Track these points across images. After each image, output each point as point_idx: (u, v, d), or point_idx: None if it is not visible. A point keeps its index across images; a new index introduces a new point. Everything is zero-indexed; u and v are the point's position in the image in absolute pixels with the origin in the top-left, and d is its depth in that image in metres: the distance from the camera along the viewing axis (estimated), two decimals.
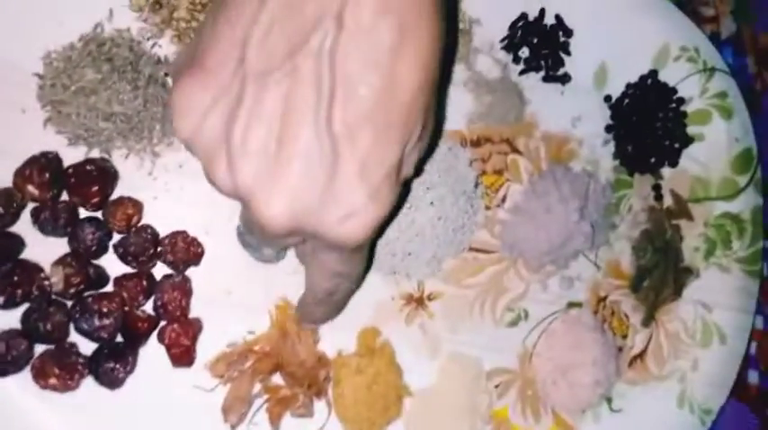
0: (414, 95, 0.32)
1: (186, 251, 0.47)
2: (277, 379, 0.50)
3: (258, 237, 0.39)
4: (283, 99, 0.31)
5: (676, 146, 0.62)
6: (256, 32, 0.31)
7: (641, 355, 0.61)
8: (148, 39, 0.50)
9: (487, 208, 0.57)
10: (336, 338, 0.52)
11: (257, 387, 0.49)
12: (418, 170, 0.47)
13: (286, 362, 0.49)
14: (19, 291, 0.43)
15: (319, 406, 0.51)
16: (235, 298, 0.50)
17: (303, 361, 0.50)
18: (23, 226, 0.45)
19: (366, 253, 0.40)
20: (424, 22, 0.32)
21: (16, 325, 0.44)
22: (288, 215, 0.32)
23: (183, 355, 0.47)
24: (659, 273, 0.61)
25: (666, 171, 0.62)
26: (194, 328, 0.47)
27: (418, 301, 0.55)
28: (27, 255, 0.45)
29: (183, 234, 0.48)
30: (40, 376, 0.43)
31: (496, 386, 0.56)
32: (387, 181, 0.33)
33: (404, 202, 0.51)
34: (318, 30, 0.30)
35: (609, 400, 0.59)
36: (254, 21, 0.31)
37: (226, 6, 0.33)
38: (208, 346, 0.49)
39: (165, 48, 0.50)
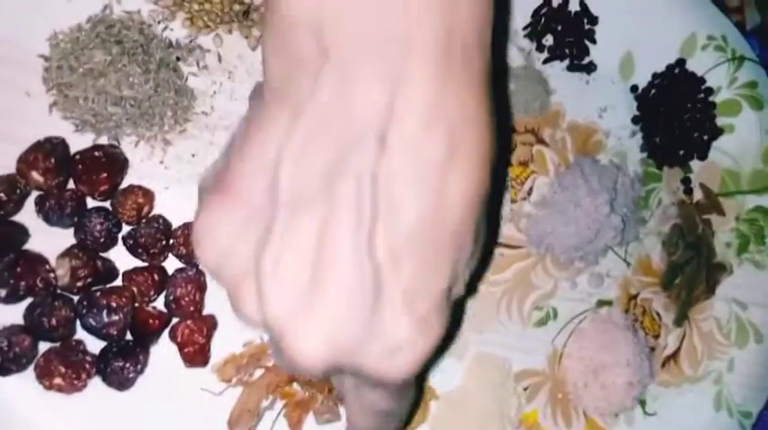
0: (465, 214, 0.28)
1: None
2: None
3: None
4: (319, 226, 0.27)
5: (705, 138, 0.59)
6: (289, 153, 0.27)
7: (675, 356, 0.58)
8: (159, 22, 0.47)
9: (513, 201, 0.54)
10: None
11: (268, 399, 0.46)
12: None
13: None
14: (22, 284, 0.40)
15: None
16: None
17: None
18: (27, 215, 0.42)
19: (413, 388, 0.35)
20: (475, 127, 0.28)
21: (19, 320, 0.41)
22: (325, 351, 0.28)
23: (196, 354, 0.44)
24: (691, 269, 0.58)
25: (696, 164, 0.60)
26: (209, 326, 0.44)
27: None
28: (31, 245, 0.42)
29: None
30: (45, 375, 0.40)
31: (525, 388, 0.53)
32: (436, 310, 0.29)
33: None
34: (359, 150, 0.27)
35: (642, 403, 0.56)
36: (287, 140, 0.28)
37: (256, 124, 0.29)
38: (222, 345, 0.46)
39: (177, 31, 0.48)
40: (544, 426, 0.53)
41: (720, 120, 0.59)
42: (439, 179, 0.27)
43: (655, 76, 0.58)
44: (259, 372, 0.46)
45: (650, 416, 0.56)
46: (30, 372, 0.41)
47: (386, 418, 0.36)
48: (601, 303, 0.56)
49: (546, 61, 0.56)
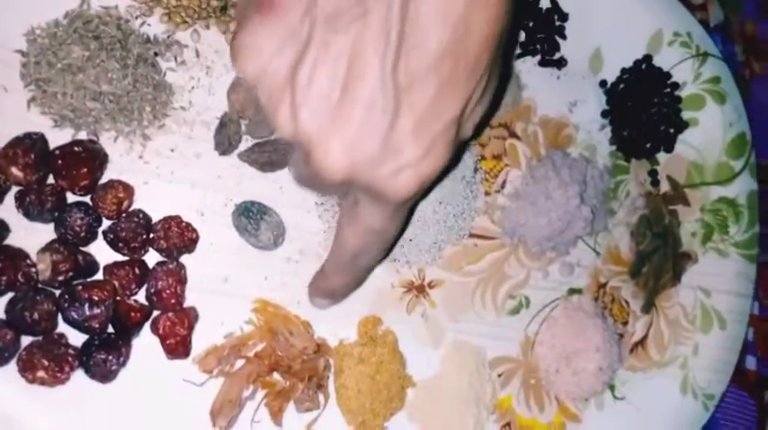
0: (484, 46, 0.31)
1: (180, 236, 0.45)
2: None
3: (308, 186, 0.37)
4: (351, 44, 0.30)
5: (671, 131, 0.61)
6: None
7: (642, 342, 0.60)
8: (137, 17, 0.48)
9: (487, 193, 0.56)
10: (336, 327, 0.50)
11: (249, 389, 0.47)
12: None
13: (283, 358, 0.47)
14: (3, 279, 0.41)
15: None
16: (231, 286, 0.48)
17: (303, 350, 0.47)
18: (7, 210, 0.43)
19: (405, 214, 0.38)
20: None
21: (0, 315, 0.41)
22: (346, 164, 0.32)
23: (178, 346, 0.44)
24: (658, 258, 0.60)
25: (662, 156, 0.62)
26: (190, 318, 0.45)
27: (419, 289, 0.53)
28: (11, 241, 0.43)
29: (176, 219, 0.46)
30: (28, 369, 0.41)
31: (500, 375, 0.55)
32: (444, 136, 0.32)
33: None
34: None
35: (612, 388, 0.58)
36: None
37: None
38: (204, 337, 0.46)
39: (155, 27, 0.48)
40: (518, 411, 0.55)
41: (686, 114, 0.61)
42: (465, 10, 0.30)
43: (623, 71, 0.60)
44: (240, 363, 0.47)
45: (619, 400, 0.58)
46: (12, 366, 0.41)
47: (372, 239, 0.39)
48: (571, 291, 0.58)
49: (518, 57, 0.58)
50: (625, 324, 0.60)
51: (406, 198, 0.34)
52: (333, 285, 0.45)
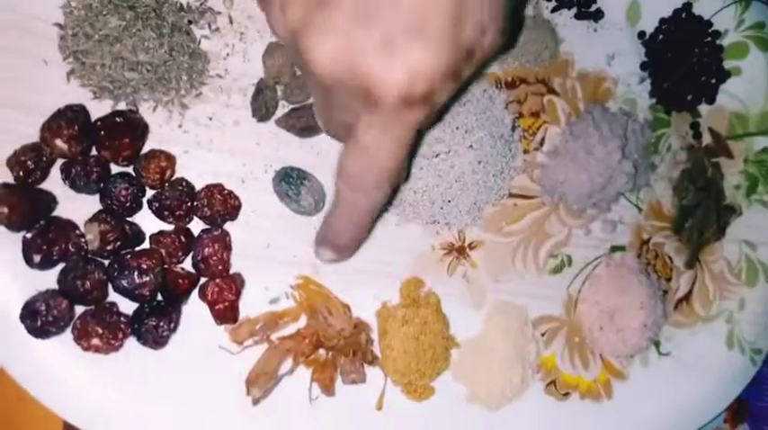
0: None
1: (224, 204, 0.45)
2: None
3: (310, 91, 0.37)
4: None
5: (713, 81, 0.60)
6: None
7: (687, 297, 0.59)
8: None
9: (526, 151, 0.55)
10: (379, 290, 0.50)
11: (288, 364, 0.48)
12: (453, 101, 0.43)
13: (324, 336, 0.47)
14: (55, 249, 0.41)
15: (374, 372, 0.50)
16: (274, 251, 0.48)
17: (341, 330, 0.48)
18: (54, 182, 0.43)
19: (407, 140, 0.35)
20: None
21: (53, 286, 0.42)
22: (330, 55, 0.31)
23: (227, 311, 0.45)
24: (702, 212, 0.59)
25: (704, 108, 0.60)
26: (237, 283, 0.45)
27: (459, 251, 0.53)
28: (59, 212, 0.43)
29: (218, 187, 0.46)
30: (83, 336, 0.41)
31: (543, 334, 0.55)
32: (446, 32, 0.31)
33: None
34: None
35: (657, 344, 0.58)
36: None
37: None
38: (250, 302, 0.47)
39: None
40: (562, 370, 0.55)
41: (728, 63, 0.59)
42: None
43: (662, 21, 0.58)
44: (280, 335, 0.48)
45: (665, 356, 0.58)
46: (67, 335, 0.42)
47: (369, 166, 0.36)
48: (614, 249, 0.57)
49: (554, 10, 0.56)
50: (669, 280, 0.59)
51: (397, 94, 0.31)
52: (334, 233, 0.42)
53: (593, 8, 0.57)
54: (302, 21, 0.31)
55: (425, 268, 0.52)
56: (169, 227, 0.46)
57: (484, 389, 0.52)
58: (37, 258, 0.41)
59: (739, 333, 0.59)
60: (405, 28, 0.30)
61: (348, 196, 0.39)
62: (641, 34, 0.58)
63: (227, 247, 0.45)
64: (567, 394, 0.55)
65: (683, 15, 0.59)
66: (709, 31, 0.59)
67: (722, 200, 0.60)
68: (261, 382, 0.46)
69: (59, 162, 0.43)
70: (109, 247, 0.43)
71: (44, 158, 0.42)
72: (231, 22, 0.48)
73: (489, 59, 0.36)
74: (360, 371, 0.49)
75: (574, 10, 0.57)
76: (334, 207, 0.41)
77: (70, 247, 0.42)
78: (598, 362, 0.56)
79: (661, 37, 0.58)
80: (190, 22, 0.47)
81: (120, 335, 0.42)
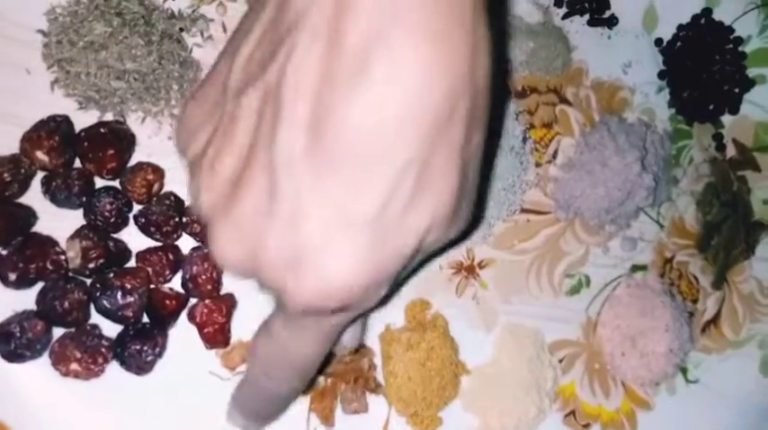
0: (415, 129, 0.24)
1: None
2: None
3: None
4: (254, 120, 0.26)
5: (736, 90, 0.57)
6: (244, 46, 0.27)
7: (715, 320, 0.55)
8: None
9: (538, 164, 0.52)
10: (382, 313, 0.47)
11: None
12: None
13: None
14: (32, 267, 0.39)
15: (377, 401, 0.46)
16: None
17: (341, 355, 0.44)
18: (34, 196, 0.41)
19: (320, 341, 0.31)
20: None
21: (31, 306, 0.40)
22: (233, 253, 0.27)
23: (216, 334, 0.42)
24: (728, 229, 0.55)
25: (727, 118, 0.57)
26: (228, 304, 0.42)
27: (469, 270, 0.50)
28: (39, 228, 0.41)
29: None
30: (61, 361, 0.38)
31: (560, 360, 0.51)
32: (365, 240, 0.25)
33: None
34: (288, 39, 0.25)
35: (684, 371, 0.53)
36: (247, 33, 0.27)
37: (238, 24, 0.29)
38: (243, 324, 0.43)
39: (179, 1, 0.45)
40: (582, 398, 0.51)
41: (751, 71, 0.57)
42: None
43: (680, 27, 0.56)
44: None
45: (693, 383, 0.53)
46: (45, 359, 0.39)
47: (277, 352, 0.32)
48: (635, 268, 0.54)
49: (565, 16, 0.54)
50: (695, 301, 0.55)
51: (300, 306, 0.27)
52: (242, 404, 0.37)
53: (607, 14, 0.54)
54: (211, 214, 0.28)
55: (432, 289, 0.49)
56: (157, 244, 0.43)
57: (496, 420, 0.48)
58: (12, 276, 0.38)
59: None
60: (318, 231, 0.25)
61: (256, 377, 0.35)
62: (658, 41, 0.56)
63: (218, 266, 0.42)
64: (587, 425, 0.51)
65: (703, 21, 0.56)
66: (731, 37, 0.56)
67: (750, 216, 0.56)
68: None
69: (40, 175, 0.41)
70: (91, 265, 0.40)
71: (23, 170, 0.39)
72: (225, 30, 0.46)
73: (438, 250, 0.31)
74: (362, 399, 0.45)
75: (586, 16, 0.54)
76: (243, 379, 0.37)
77: (49, 265, 0.39)
78: (620, 391, 0.52)
79: (679, 44, 0.56)
80: (181, 29, 0.45)
81: (101, 360, 0.39)
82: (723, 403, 0.53)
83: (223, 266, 0.28)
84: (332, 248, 0.25)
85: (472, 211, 0.30)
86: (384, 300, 0.30)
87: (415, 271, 0.44)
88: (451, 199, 0.27)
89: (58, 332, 0.40)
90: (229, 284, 0.44)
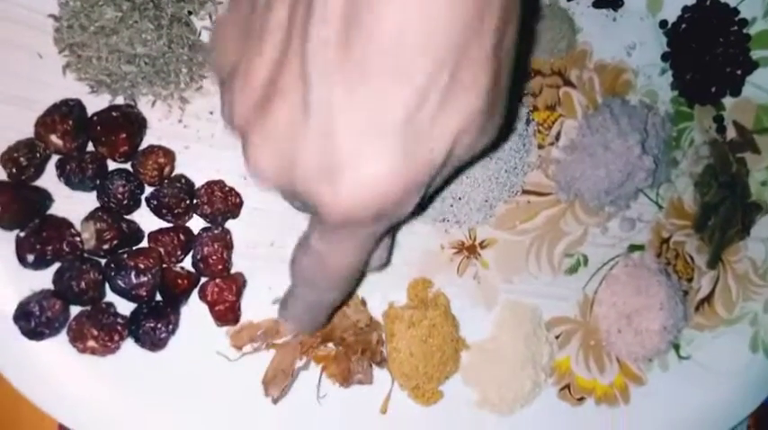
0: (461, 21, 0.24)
1: (224, 201, 0.44)
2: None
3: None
4: (283, 33, 0.27)
5: (739, 72, 0.57)
6: None
7: (708, 299, 0.57)
8: None
9: (540, 146, 0.53)
10: (386, 291, 0.48)
11: (302, 360, 0.46)
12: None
13: (338, 328, 0.46)
14: (49, 249, 0.40)
15: (381, 374, 0.48)
16: (278, 249, 0.46)
17: (356, 322, 0.46)
18: (49, 179, 0.42)
19: (358, 250, 0.32)
20: None
21: (48, 285, 0.41)
22: (274, 171, 0.27)
23: (227, 313, 0.43)
24: (725, 209, 0.56)
25: (729, 101, 0.57)
26: (238, 283, 0.44)
27: (470, 250, 0.51)
28: (54, 210, 0.42)
29: (219, 183, 0.44)
30: (78, 339, 0.40)
31: (557, 336, 0.53)
32: (401, 145, 0.26)
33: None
34: None
35: (677, 347, 0.55)
36: None
37: None
38: (252, 302, 0.45)
39: None
40: (577, 373, 0.53)
41: (755, 54, 0.57)
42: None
43: (685, 9, 0.56)
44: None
45: (685, 359, 0.55)
46: (63, 336, 0.41)
47: (318, 265, 0.33)
48: (632, 248, 0.55)
49: None
50: (690, 280, 0.56)
51: (338, 215, 0.27)
52: (289, 310, 0.40)
53: None
54: (245, 126, 0.28)
55: (434, 268, 0.50)
56: (168, 224, 0.44)
57: (495, 393, 0.50)
58: (30, 258, 0.40)
59: (764, 336, 0.56)
60: (352, 139, 0.26)
61: (299, 290, 0.37)
62: (663, 23, 0.56)
63: (228, 246, 0.44)
64: (581, 399, 0.53)
65: (708, 3, 0.56)
66: (736, 19, 0.56)
67: (747, 197, 0.57)
68: (278, 381, 0.45)
69: (55, 158, 0.42)
70: (105, 246, 0.41)
71: (38, 155, 0.40)
72: None
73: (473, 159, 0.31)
74: (367, 371, 0.47)
75: None
76: (288, 292, 0.39)
77: (65, 247, 0.40)
78: (615, 366, 0.54)
79: (684, 26, 0.56)
80: (190, 12, 0.46)
81: (117, 337, 0.41)
82: (714, 379, 0.55)
83: (258, 179, 0.28)
84: (366, 156, 0.26)
85: (503, 116, 0.29)
86: (416, 211, 0.30)
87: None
88: (484, 99, 0.26)
89: (74, 310, 0.42)
90: (239, 263, 0.45)
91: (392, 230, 0.35)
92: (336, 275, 0.34)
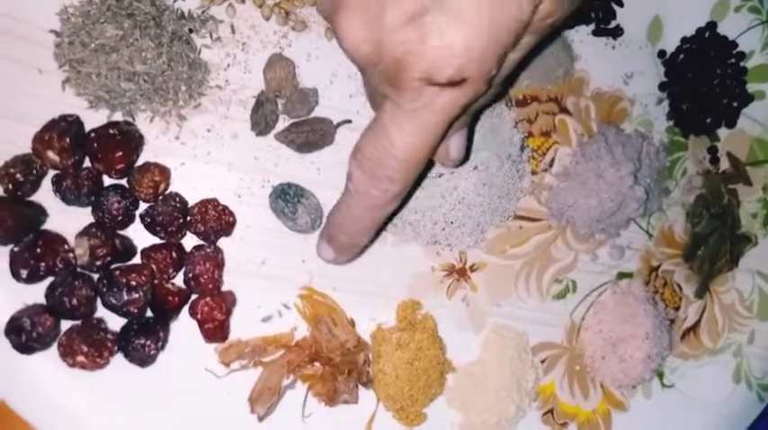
0: None
1: (217, 220, 0.44)
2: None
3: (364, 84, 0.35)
4: None
5: (735, 105, 0.58)
6: None
7: (694, 328, 0.57)
8: None
9: (534, 172, 0.53)
10: (374, 312, 0.49)
11: (289, 378, 0.47)
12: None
13: (325, 348, 0.46)
14: (42, 264, 0.40)
15: (367, 394, 0.48)
16: (269, 268, 0.47)
17: (344, 342, 0.46)
18: (44, 195, 0.42)
19: (429, 137, 0.32)
20: None
21: (41, 300, 0.42)
22: (363, 37, 0.29)
23: (216, 331, 0.44)
24: (715, 240, 0.57)
25: (723, 132, 0.58)
26: (228, 302, 0.44)
27: (460, 273, 0.52)
28: (49, 225, 0.42)
29: (213, 202, 0.45)
30: (68, 353, 0.41)
31: (543, 361, 0.53)
32: (485, 5, 0.27)
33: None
34: None
35: (660, 375, 0.56)
36: None
37: None
38: (242, 320, 0.46)
39: (189, 2, 0.46)
40: (561, 398, 0.54)
41: (751, 87, 0.57)
42: None
43: (684, 40, 0.56)
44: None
45: (668, 388, 0.56)
46: (53, 351, 0.41)
47: (389, 154, 0.33)
48: (621, 275, 0.56)
49: (570, 25, 0.54)
50: (677, 309, 0.57)
51: (426, 78, 0.28)
52: (336, 225, 0.40)
53: (613, 24, 0.55)
54: (331, 6, 0.30)
55: (424, 290, 0.51)
56: (162, 241, 0.44)
57: (478, 416, 0.50)
58: (24, 273, 0.40)
59: (747, 368, 0.57)
60: (436, 2, 0.27)
61: (358, 182, 0.36)
62: (662, 53, 0.56)
63: (219, 265, 0.44)
64: (564, 424, 0.53)
65: (707, 35, 0.56)
66: (734, 52, 0.57)
67: (737, 228, 0.58)
68: (265, 399, 0.46)
69: (51, 173, 0.42)
70: (98, 262, 0.42)
71: (34, 171, 0.41)
72: (233, 31, 0.47)
73: (555, 30, 0.32)
74: (353, 391, 0.48)
75: (592, 26, 0.54)
76: (341, 197, 0.39)
77: (58, 263, 0.41)
78: (598, 392, 0.55)
79: (682, 56, 0.56)
80: (191, 30, 0.46)
81: (106, 353, 0.42)
82: (696, 408, 0.56)
83: (350, 51, 0.30)
84: (454, 9, 0.27)
85: None
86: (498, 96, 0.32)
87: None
88: None
89: (65, 324, 0.42)
90: (229, 280, 0.46)
91: (467, 121, 0.36)
92: (402, 157, 0.33)
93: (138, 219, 0.44)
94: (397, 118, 0.32)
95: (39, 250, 0.40)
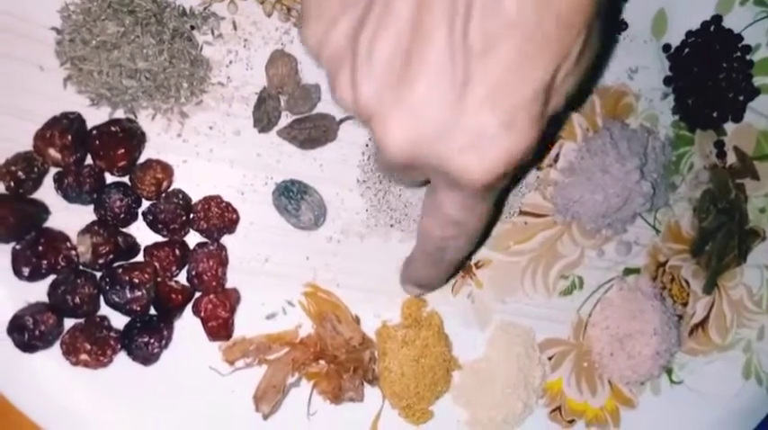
0: (575, 4, 0.26)
1: (221, 217, 0.44)
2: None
3: (383, 166, 0.35)
4: (415, 6, 0.27)
5: (741, 98, 0.57)
6: None
7: (703, 324, 0.57)
8: None
9: (539, 168, 0.53)
10: (379, 309, 0.49)
11: (294, 376, 0.46)
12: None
13: (330, 346, 0.46)
14: (44, 262, 0.40)
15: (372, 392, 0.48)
16: (272, 265, 0.46)
17: (349, 339, 0.46)
18: (46, 192, 0.42)
19: (490, 204, 0.34)
20: None
21: (43, 298, 0.41)
22: (408, 140, 0.28)
23: (220, 328, 0.44)
24: (723, 235, 0.56)
25: (730, 126, 0.57)
26: (232, 299, 0.44)
27: (465, 269, 0.51)
28: (51, 223, 0.42)
29: (216, 199, 0.44)
30: (71, 352, 0.41)
31: (550, 358, 0.53)
32: (527, 109, 0.28)
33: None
34: None
35: (669, 372, 0.55)
36: None
37: None
38: (246, 318, 0.45)
39: None
40: (568, 395, 0.53)
41: (757, 80, 0.57)
42: None
43: (689, 34, 0.56)
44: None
45: (677, 384, 0.55)
46: (56, 349, 0.41)
47: (454, 231, 0.35)
48: (628, 271, 0.55)
49: None
50: (685, 305, 0.56)
51: (482, 182, 0.29)
52: (420, 277, 0.43)
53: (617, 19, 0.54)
54: (376, 99, 0.28)
55: None
56: (165, 239, 0.44)
57: (485, 413, 0.50)
58: (26, 271, 0.40)
59: (757, 363, 0.56)
60: (494, 116, 0.28)
61: (433, 251, 0.38)
62: (666, 47, 0.56)
63: (223, 263, 0.44)
64: (572, 421, 0.53)
65: (712, 28, 0.56)
66: (739, 45, 0.56)
67: (745, 223, 0.57)
68: (269, 397, 0.45)
69: (53, 171, 0.42)
70: (101, 260, 0.42)
71: (36, 168, 0.41)
72: (235, 28, 0.47)
73: None
74: (359, 389, 0.47)
75: None
76: (417, 251, 0.41)
77: (60, 260, 0.41)
78: (606, 389, 0.54)
79: (687, 50, 0.56)
80: (192, 27, 0.46)
81: (110, 352, 0.41)
82: (705, 404, 0.55)
83: (394, 155, 0.29)
84: (513, 127, 0.28)
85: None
86: None
87: None
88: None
89: (68, 322, 0.42)
90: (233, 278, 0.45)
91: None
92: (475, 232, 0.36)
93: (140, 217, 0.44)
94: (462, 208, 0.33)
95: (41, 248, 0.40)
